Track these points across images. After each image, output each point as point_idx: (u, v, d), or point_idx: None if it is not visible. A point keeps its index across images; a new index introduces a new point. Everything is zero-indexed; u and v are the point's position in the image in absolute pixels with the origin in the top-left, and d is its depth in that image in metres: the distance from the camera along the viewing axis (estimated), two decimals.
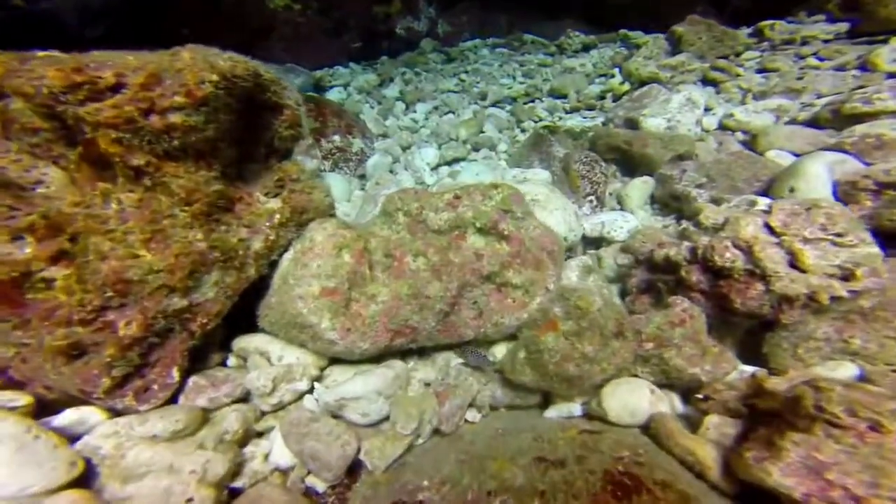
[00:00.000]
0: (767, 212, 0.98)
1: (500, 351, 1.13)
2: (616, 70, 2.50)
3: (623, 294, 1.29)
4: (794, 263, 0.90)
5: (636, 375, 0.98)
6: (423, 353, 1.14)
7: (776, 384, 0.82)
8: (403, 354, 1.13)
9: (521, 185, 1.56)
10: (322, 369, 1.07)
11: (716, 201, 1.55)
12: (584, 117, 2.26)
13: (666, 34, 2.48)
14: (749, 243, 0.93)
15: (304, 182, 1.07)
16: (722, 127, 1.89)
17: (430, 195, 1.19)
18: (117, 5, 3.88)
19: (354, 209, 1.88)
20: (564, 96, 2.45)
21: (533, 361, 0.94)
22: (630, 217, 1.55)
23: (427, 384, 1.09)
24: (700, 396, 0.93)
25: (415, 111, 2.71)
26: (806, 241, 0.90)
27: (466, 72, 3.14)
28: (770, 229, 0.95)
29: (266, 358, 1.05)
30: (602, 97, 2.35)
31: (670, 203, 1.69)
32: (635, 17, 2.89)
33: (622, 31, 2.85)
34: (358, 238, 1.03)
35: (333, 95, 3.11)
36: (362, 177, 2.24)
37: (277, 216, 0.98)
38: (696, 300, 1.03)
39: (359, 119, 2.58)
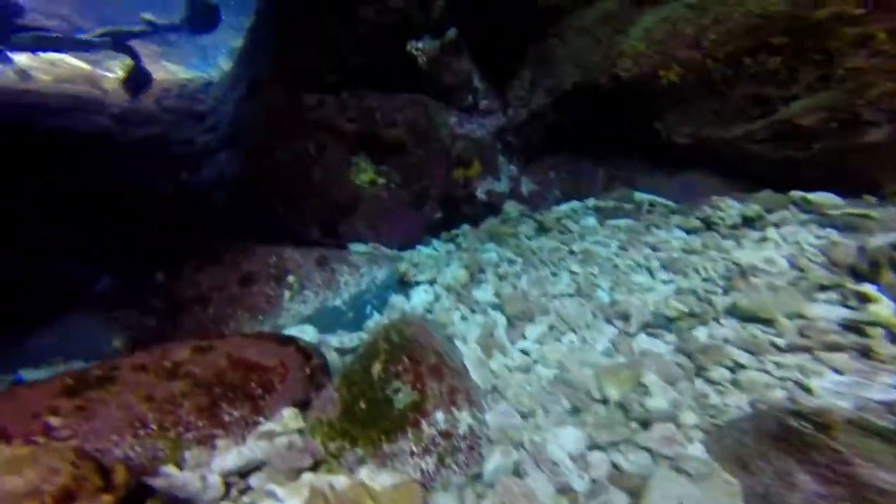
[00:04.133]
0: None
1: None
2: (850, 280, 1.46)
3: None
4: None
5: None
6: None
7: None
8: None
9: None
10: None
11: None
12: (838, 373, 1.21)
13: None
14: None
15: None
16: None
17: None
18: (239, 178, 3.84)
19: None
20: (766, 321, 1.45)
21: None
22: None
23: None
24: None
25: (524, 336, 1.86)
26: None
27: (573, 253, 2.31)
28: None
29: None
30: (856, 330, 1.31)
31: None
32: (812, 173, 1.93)
33: (796, 192, 1.89)
34: None
35: (419, 298, 2.41)
36: (477, 477, 1.35)
37: None
38: None
39: (455, 356, 1.77)
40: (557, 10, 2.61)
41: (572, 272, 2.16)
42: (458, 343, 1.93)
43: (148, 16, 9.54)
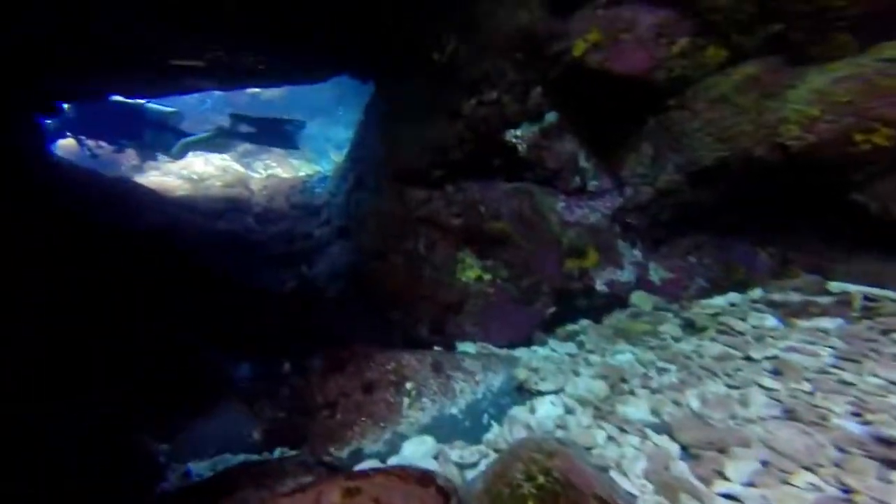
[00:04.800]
0: None
1: None
2: None
3: None
4: None
5: None
6: None
7: None
8: None
9: None
10: None
11: None
12: None
13: None
14: None
15: None
16: None
17: None
18: (349, 274, 4.05)
19: None
20: None
21: None
22: None
23: None
24: None
25: (722, 475, 1.34)
26: None
27: (753, 361, 1.78)
28: None
29: None
30: None
31: None
32: None
33: None
34: None
35: (546, 412, 2.05)
36: None
37: None
38: None
39: (623, 501, 1.34)
40: (681, 80, 2.33)
41: (766, 388, 1.59)
42: (612, 475, 1.50)
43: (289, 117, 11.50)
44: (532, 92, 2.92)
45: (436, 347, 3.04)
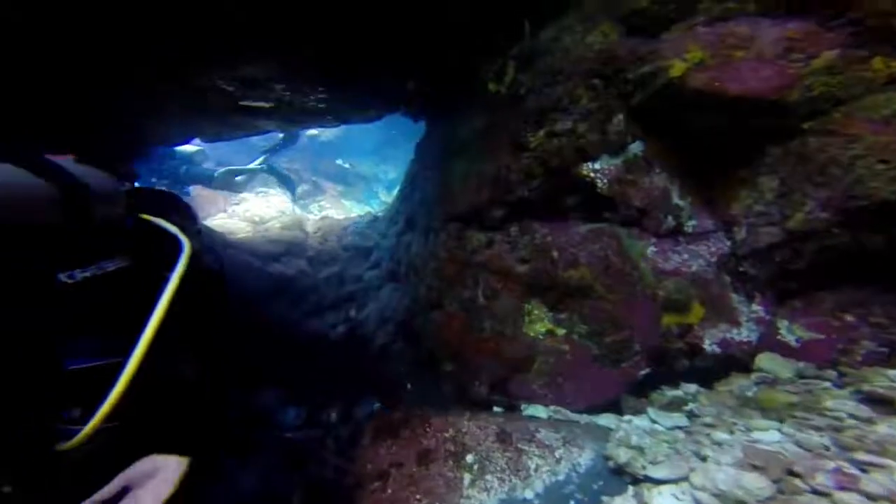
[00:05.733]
0: None
1: None
2: None
3: None
4: None
5: None
6: None
7: None
8: None
9: None
10: None
11: None
12: None
13: None
14: None
15: None
16: None
17: None
18: (399, 320, 3.72)
19: None
20: None
21: None
22: None
23: None
24: None
25: None
26: None
27: None
28: None
29: None
30: None
31: None
32: None
33: None
34: None
35: None
36: None
37: None
38: None
39: None
40: (825, 100, 1.83)
41: None
42: None
43: (340, 161, 12.09)
44: (613, 119, 2.54)
45: (496, 408, 2.56)
